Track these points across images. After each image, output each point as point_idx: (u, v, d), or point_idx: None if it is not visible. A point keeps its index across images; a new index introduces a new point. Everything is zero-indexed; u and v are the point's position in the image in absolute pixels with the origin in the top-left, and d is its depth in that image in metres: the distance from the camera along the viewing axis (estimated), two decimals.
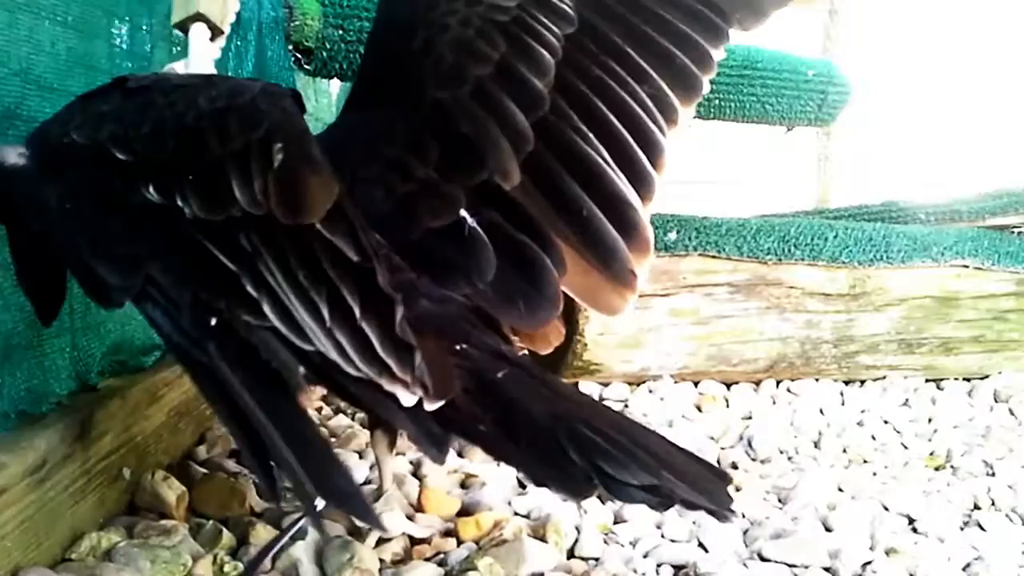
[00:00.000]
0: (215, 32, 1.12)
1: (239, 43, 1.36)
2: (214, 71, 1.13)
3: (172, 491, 0.99)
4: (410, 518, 1.02)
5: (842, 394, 1.69)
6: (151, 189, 0.71)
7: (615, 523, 1.07)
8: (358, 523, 0.92)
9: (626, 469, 0.70)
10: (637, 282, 0.93)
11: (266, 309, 0.69)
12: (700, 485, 0.72)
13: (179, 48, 1.22)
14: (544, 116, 0.95)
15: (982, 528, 1.09)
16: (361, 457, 1.20)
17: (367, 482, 1.13)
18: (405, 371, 0.70)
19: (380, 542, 0.94)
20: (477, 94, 0.95)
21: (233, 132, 0.74)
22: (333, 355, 0.69)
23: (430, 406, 0.71)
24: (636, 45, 1.01)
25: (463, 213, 0.89)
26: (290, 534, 0.91)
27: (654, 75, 1.00)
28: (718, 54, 1.04)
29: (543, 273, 0.90)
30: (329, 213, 0.71)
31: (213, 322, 0.69)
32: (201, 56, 1.10)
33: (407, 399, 0.70)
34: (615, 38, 1.01)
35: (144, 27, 1.14)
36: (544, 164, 0.93)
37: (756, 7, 1.08)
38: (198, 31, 1.10)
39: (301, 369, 0.69)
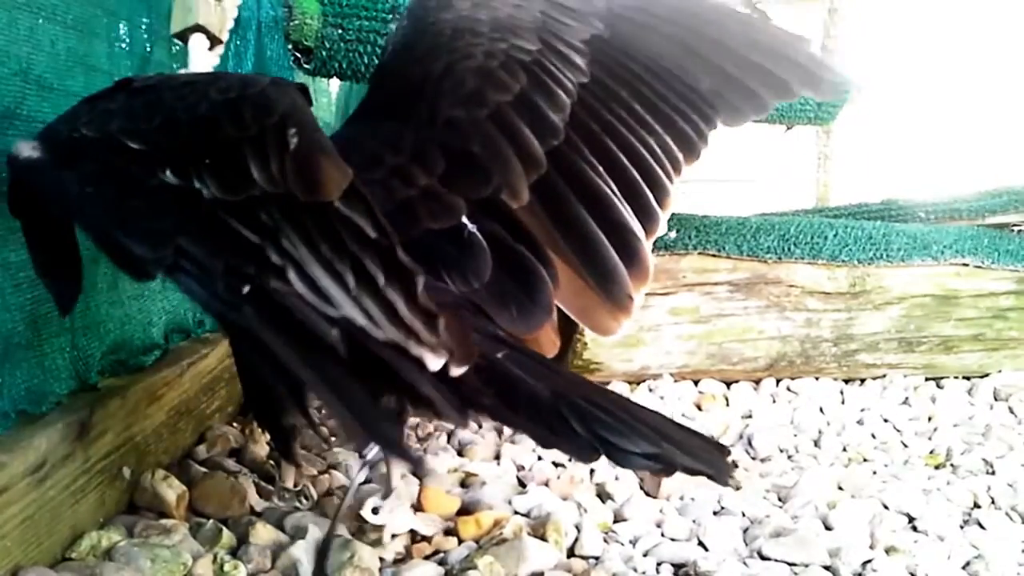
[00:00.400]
0: (214, 41, 1.14)
1: (239, 42, 1.36)
2: None
3: (172, 490, 0.99)
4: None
5: (842, 392, 1.69)
6: (168, 173, 0.73)
7: (615, 522, 1.07)
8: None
9: (627, 439, 0.71)
10: (633, 306, 0.96)
11: (292, 277, 0.70)
12: (699, 454, 0.73)
13: (178, 47, 1.22)
14: (558, 146, 0.99)
15: (982, 526, 1.09)
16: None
17: (367, 481, 1.13)
18: (431, 335, 0.71)
19: (382, 540, 0.94)
20: (495, 117, 0.99)
21: (247, 118, 0.75)
22: (360, 320, 0.70)
23: (457, 371, 0.72)
24: (643, 104, 1.07)
25: (464, 220, 0.91)
26: (352, 489, 0.96)
27: (659, 129, 1.06)
28: (710, 130, 1.11)
29: (537, 283, 0.92)
30: (346, 193, 0.72)
31: (246, 289, 0.70)
32: (201, 65, 1.11)
33: (434, 363, 0.71)
34: (624, 95, 1.07)
35: (143, 27, 1.14)
36: (554, 188, 0.97)
37: (736, 112, 1.15)
38: (197, 41, 1.12)
39: (334, 331, 0.70)
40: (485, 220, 0.92)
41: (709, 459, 0.73)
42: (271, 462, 1.18)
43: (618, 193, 0.99)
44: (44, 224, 0.80)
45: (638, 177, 1.00)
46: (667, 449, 0.71)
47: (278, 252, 0.70)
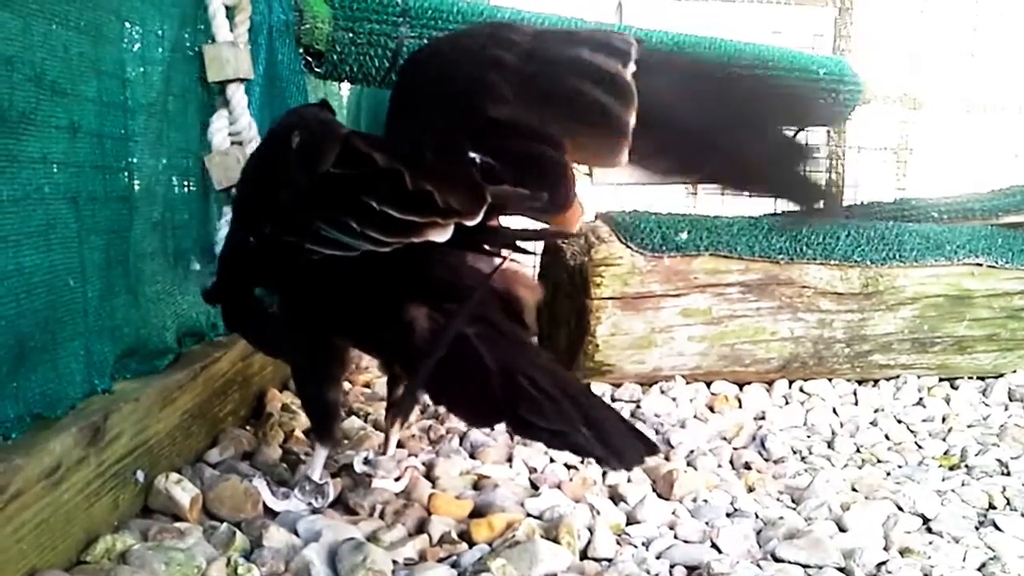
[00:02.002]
0: (245, 81, 1.28)
1: (250, 47, 1.36)
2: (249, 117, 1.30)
3: (186, 493, 0.99)
4: (423, 520, 1.02)
5: (855, 394, 1.69)
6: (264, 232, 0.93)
7: (628, 524, 1.07)
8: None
9: (542, 415, 0.79)
10: (629, 129, 1.00)
11: (326, 250, 0.84)
12: (611, 442, 0.80)
13: (191, 53, 1.23)
14: (525, 49, 1.06)
15: (997, 528, 1.08)
16: (366, 461, 1.19)
17: (365, 464, 1.17)
18: (429, 215, 0.78)
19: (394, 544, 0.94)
20: (469, 57, 1.07)
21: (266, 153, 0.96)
22: (368, 247, 0.81)
23: (472, 221, 0.79)
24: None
25: (471, 154, 0.97)
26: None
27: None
28: None
29: (554, 167, 0.99)
30: (338, 158, 0.83)
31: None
32: (242, 105, 1.29)
33: (442, 234, 0.79)
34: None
35: (157, 32, 1.14)
36: (529, 78, 1.03)
37: None
38: (235, 88, 1.28)
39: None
40: (488, 139, 0.97)
41: (620, 449, 0.80)
42: (284, 465, 1.18)
43: (587, 54, 1.04)
44: (250, 317, 1.05)
45: (601, 40, 1.06)
46: (578, 432, 0.79)
47: (314, 240, 0.84)
